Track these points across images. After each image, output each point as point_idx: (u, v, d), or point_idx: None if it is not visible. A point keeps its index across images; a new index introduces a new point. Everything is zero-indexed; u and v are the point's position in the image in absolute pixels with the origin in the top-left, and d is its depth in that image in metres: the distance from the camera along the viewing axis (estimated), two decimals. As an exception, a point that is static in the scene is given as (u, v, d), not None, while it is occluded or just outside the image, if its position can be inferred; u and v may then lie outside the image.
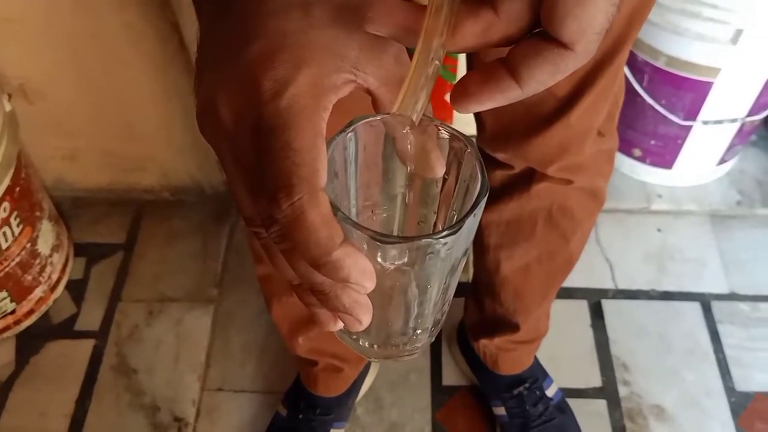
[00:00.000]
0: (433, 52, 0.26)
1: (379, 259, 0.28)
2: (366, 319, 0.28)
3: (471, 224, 0.28)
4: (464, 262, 0.32)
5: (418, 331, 0.34)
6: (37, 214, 1.10)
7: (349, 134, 0.29)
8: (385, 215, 0.33)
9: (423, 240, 0.27)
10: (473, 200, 0.28)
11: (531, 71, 0.25)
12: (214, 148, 0.29)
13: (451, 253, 0.29)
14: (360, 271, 0.26)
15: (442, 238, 0.27)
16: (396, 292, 0.31)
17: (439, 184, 0.32)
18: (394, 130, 0.30)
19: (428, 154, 0.30)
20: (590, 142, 0.70)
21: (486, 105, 0.27)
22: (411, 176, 0.32)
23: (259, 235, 0.29)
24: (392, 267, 0.29)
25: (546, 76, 0.25)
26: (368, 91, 0.29)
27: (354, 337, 0.34)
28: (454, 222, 0.28)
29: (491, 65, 0.26)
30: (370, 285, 0.26)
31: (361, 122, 0.30)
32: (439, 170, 0.30)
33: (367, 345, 0.34)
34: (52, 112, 1.15)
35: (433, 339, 0.36)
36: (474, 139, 0.30)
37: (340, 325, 0.30)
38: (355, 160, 0.31)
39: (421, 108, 0.28)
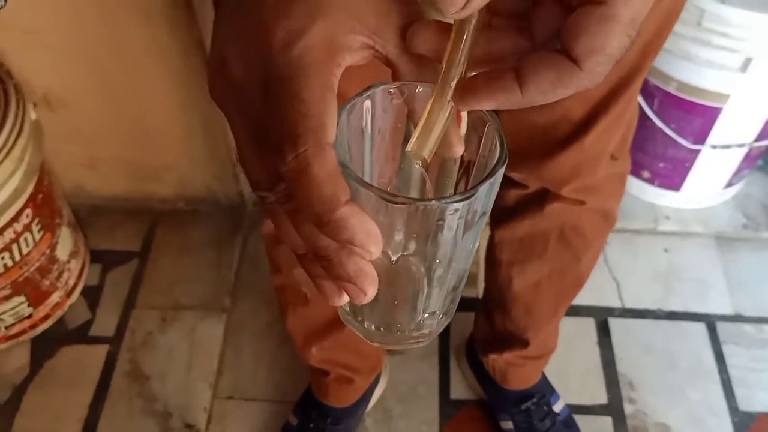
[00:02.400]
0: (450, 91, 0.27)
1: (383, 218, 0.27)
2: (371, 290, 0.26)
3: (485, 195, 0.27)
4: (476, 245, 0.31)
5: (425, 315, 0.33)
6: (57, 220, 1.12)
7: (366, 99, 0.28)
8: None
9: (433, 203, 0.26)
10: (490, 169, 0.27)
11: (535, 78, 0.25)
12: (223, 108, 0.29)
13: (462, 226, 0.27)
14: (365, 233, 0.24)
15: (454, 202, 0.26)
16: (404, 268, 0.30)
17: (458, 163, 0.30)
18: (413, 102, 0.29)
19: (449, 132, 0.29)
20: (603, 165, 0.72)
21: (487, 103, 0.26)
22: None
23: (265, 199, 0.28)
24: (400, 237, 0.28)
25: (547, 85, 0.25)
26: (387, 61, 0.28)
27: (359, 319, 0.33)
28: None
29: (500, 69, 0.26)
30: (376, 250, 0.25)
31: (380, 88, 0.28)
32: (459, 149, 0.29)
33: (372, 328, 0.33)
34: (74, 120, 1.18)
35: (441, 329, 0.35)
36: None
37: (346, 298, 0.28)
38: (371, 129, 0.29)
39: (434, 146, 0.27)
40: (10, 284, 1.06)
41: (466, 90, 0.27)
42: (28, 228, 1.03)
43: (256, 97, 0.26)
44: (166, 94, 1.12)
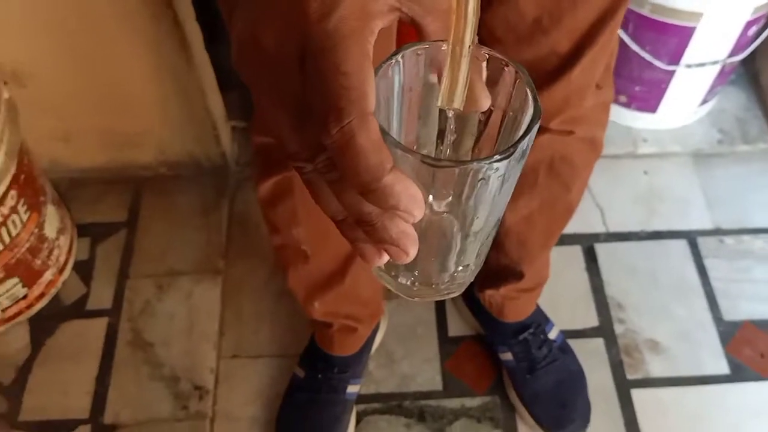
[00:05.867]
0: (470, 34, 0.26)
1: (422, 187, 0.27)
2: (413, 250, 0.27)
3: (522, 151, 0.27)
4: (508, 199, 0.32)
5: (460, 268, 0.34)
6: (42, 198, 1.10)
7: (397, 61, 0.29)
8: (425, 151, 0.33)
9: (474, 164, 0.26)
10: (525, 126, 0.28)
11: None
12: (253, 86, 0.29)
13: (501, 182, 0.28)
14: (410, 198, 0.25)
15: (494, 162, 0.26)
16: (441, 224, 0.31)
17: (484, 119, 0.31)
18: (440, 61, 0.29)
19: (473, 85, 0.29)
20: (590, 96, 0.73)
21: None
22: (464, 110, 0.31)
23: (302, 170, 0.29)
24: (440, 196, 0.28)
25: None
26: (413, 21, 0.28)
27: (393, 274, 0.34)
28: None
29: None
30: (419, 213, 0.26)
31: (409, 50, 0.29)
32: (485, 102, 0.29)
33: (408, 283, 0.34)
34: (45, 93, 1.14)
35: (472, 279, 0.36)
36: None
37: (385, 259, 0.29)
38: (400, 91, 0.30)
39: (464, 89, 0.27)
40: (3, 267, 1.05)
41: None
42: (14, 210, 1.02)
43: (292, 70, 0.26)
44: (137, 59, 1.09)
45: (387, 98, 0.30)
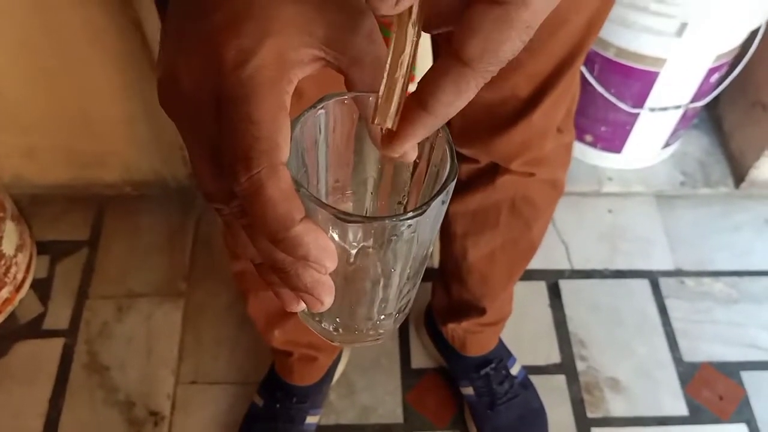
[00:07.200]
0: (405, 56, 0.26)
1: (338, 238, 0.27)
2: (328, 299, 0.27)
3: (437, 208, 0.27)
4: (431, 249, 0.32)
5: (382, 317, 0.34)
6: (1, 215, 1.09)
7: (320, 111, 0.29)
8: (355, 198, 0.33)
9: (386, 221, 0.26)
10: (441, 184, 0.28)
11: (434, 94, 0.25)
12: (175, 121, 0.28)
13: (415, 237, 0.28)
14: (320, 249, 0.25)
15: (406, 219, 0.26)
16: (359, 275, 0.31)
17: (411, 169, 0.31)
18: (365, 110, 0.29)
19: None
20: (550, 139, 0.74)
21: (410, 141, 0.26)
22: (382, 159, 0.31)
23: (220, 211, 0.29)
24: (356, 248, 0.28)
25: (449, 96, 0.25)
26: (339, 70, 0.28)
27: (317, 319, 0.34)
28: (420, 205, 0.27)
29: (405, 102, 0.26)
30: (331, 264, 0.26)
31: (333, 99, 0.29)
32: (411, 155, 0.29)
33: (330, 328, 0.34)
34: (9, 109, 1.13)
35: (399, 325, 0.36)
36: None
37: (303, 305, 0.29)
38: (325, 139, 0.30)
39: (397, 111, 0.27)
40: (-44, 284, 1.03)
41: (389, 140, 0.27)
42: (-30, 225, 1.00)
43: (208, 114, 0.26)
44: (105, 78, 1.08)
45: (311, 146, 0.30)
